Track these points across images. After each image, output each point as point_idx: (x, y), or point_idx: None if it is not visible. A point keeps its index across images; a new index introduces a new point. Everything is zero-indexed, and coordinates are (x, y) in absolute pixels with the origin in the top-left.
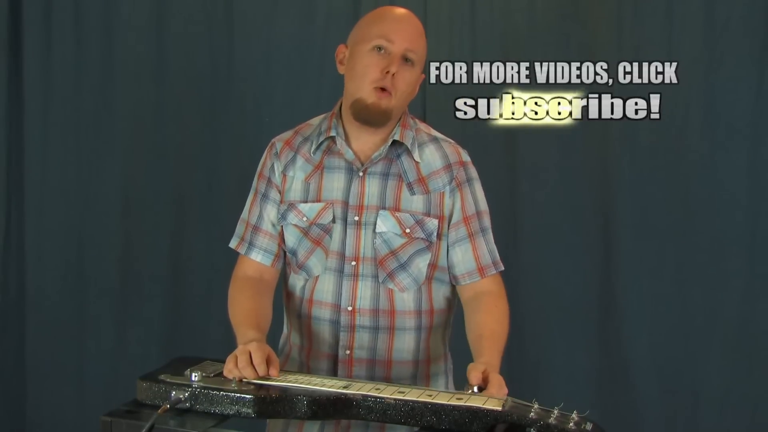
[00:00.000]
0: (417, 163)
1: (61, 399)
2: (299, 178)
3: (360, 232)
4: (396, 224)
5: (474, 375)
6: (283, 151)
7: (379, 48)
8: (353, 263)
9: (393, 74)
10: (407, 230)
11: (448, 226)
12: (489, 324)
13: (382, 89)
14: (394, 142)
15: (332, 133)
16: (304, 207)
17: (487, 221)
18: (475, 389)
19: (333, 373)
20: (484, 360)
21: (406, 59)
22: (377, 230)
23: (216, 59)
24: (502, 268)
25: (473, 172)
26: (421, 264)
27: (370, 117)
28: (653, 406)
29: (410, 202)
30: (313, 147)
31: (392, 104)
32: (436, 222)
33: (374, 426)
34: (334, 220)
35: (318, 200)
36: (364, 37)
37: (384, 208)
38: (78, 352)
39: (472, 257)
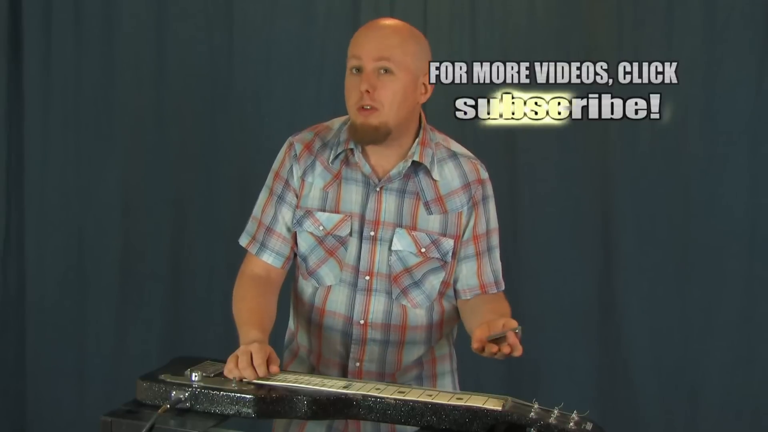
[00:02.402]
0: (436, 181)
1: (61, 399)
2: (318, 185)
3: (375, 247)
4: (412, 243)
5: (478, 334)
6: (303, 155)
7: (356, 69)
8: (367, 278)
9: (368, 91)
10: (423, 250)
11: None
12: (496, 307)
13: (366, 109)
14: (415, 161)
15: (351, 146)
16: (321, 216)
17: (495, 239)
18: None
19: None
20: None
21: (384, 70)
22: (393, 248)
23: (216, 59)
24: (503, 288)
25: (489, 190)
26: (435, 282)
27: (365, 137)
28: (653, 406)
29: (427, 221)
30: (331, 157)
31: (383, 119)
32: (452, 242)
33: (385, 427)
34: (351, 233)
35: (336, 211)
36: (347, 61)
37: (401, 226)
38: (78, 352)
39: (475, 275)
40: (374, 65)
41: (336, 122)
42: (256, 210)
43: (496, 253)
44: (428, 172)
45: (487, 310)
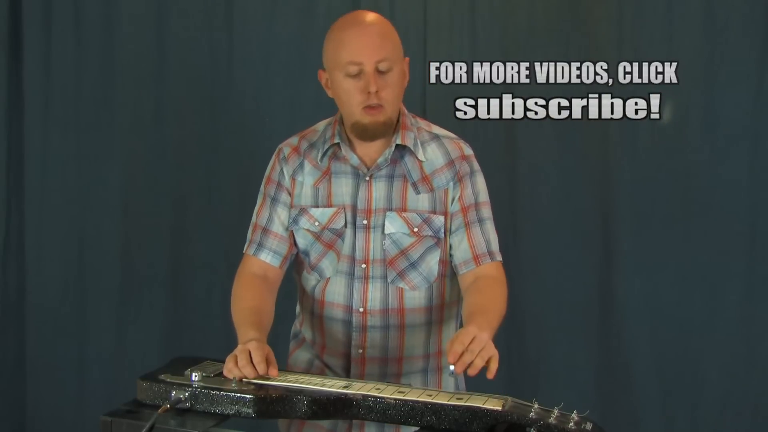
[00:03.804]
0: (421, 162)
1: (61, 399)
2: (308, 183)
3: (369, 235)
4: (404, 224)
5: (452, 352)
6: (291, 157)
7: (355, 73)
8: (363, 266)
9: (376, 91)
10: (415, 229)
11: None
12: (479, 301)
13: (372, 107)
14: (398, 144)
15: (336, 140)
16: (315, 212)
17: (486, 212)
18: (451, 368)
19: (346, 370)
20: (467, 330)
21: (384, 68)
22: (386, 231)
23: (216, 59)
24: (499, 259)
25: (475, 165)
26: (432, 262)
27: (376, 133)
28: (653, 406)
29: (416, 201)
30: (320, 154)
31: (388, 114)
32: (442, 219)
33: (389, 426)
34: (345, 225)
35: (329, 205)
36: (335, 64)
37: (391, 209)
38: (78, 352)
39: (467, 246)
40: (375, 66)
41: (321, 124)
42: (253, 218)
43: (489, 225)
44: (413, 154)
45: (475, 310)
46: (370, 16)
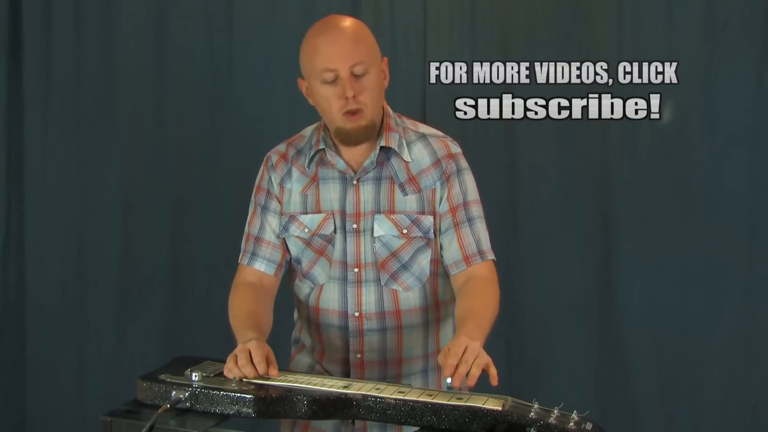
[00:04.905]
0: (407, 162)
1: (61, 399)
2: (296, 190)
3: (359, 239)
4: (393, 226)
5: (447, 366)
6: (279, 164)
7: (331, 79)
8: (356, 270)
9: (354, 96)
10: (404, 231)
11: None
12: (470, 305)
13: (352, 112)
14: (383, 146)
15: (321, 146)
16: (304, 218)
17: (475, 211)
18: (449, 381)
19: (346, 375)
20: (458, 340)
21: (360, 72)
22: (375, 234)
23: (216, 59)
24: (491, 258)
25: (463, 163)
26: (423, 262)
27: (359, 138)
28: (653, 406)
29: (404, 202)
30: (307, 160)
31: (369, 117)
32: (431, 219)
33: (391, 427)
34: (335, 230)
35: (317, 211)
36: (311, 72)
37: (379, 212)
38: (78, 351)
39: (457, 247)
40: (350, 71)
41: (307, 130)
42: (246, 227)
43: (479, 224)
44: (399, 155)
45: (466, 315)
46: (342, 21)
